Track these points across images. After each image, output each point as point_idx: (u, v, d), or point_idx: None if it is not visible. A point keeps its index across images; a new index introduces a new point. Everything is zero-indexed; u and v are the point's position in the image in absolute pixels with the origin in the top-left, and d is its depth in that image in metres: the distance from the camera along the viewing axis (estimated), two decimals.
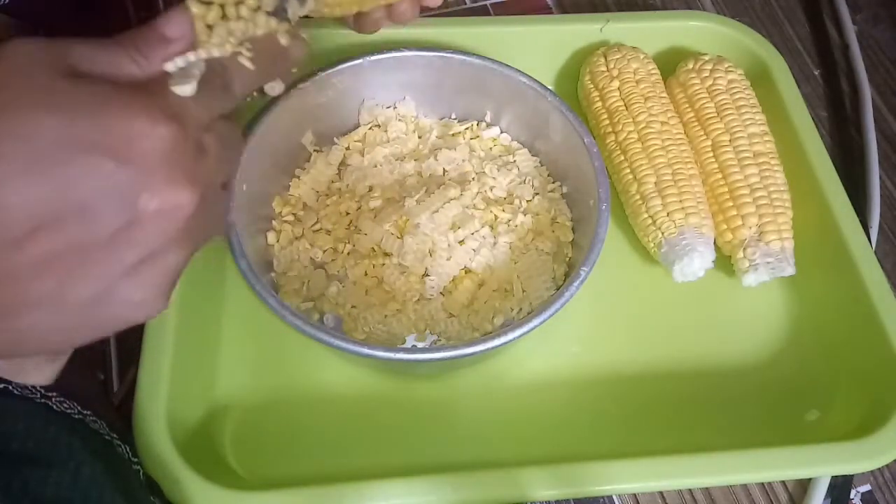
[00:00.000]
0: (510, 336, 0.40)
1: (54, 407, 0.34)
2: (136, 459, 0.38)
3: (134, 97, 0.24)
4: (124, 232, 0.24)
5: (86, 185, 0.23)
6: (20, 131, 0.22)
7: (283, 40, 0.31)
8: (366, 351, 0.39)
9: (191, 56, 0.28)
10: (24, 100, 0.23)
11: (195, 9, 0.28)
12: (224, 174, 0.29)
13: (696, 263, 0.48)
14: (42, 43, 0.24)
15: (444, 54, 0.50)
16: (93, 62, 0.25)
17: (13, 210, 0.22)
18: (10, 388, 0.33)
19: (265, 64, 0.30)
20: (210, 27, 0.29)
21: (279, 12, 0.31)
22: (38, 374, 0.27)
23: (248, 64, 0.29)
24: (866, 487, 0.47)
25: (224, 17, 0.29)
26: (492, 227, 0.48)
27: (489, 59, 0.50)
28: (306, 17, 0.33)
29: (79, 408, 0.35)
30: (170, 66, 0.27)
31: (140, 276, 0.25)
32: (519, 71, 0.50)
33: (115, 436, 0.37)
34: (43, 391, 0.34)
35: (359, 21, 0.41)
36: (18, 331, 0.24)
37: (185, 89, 0.27)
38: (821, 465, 0.42)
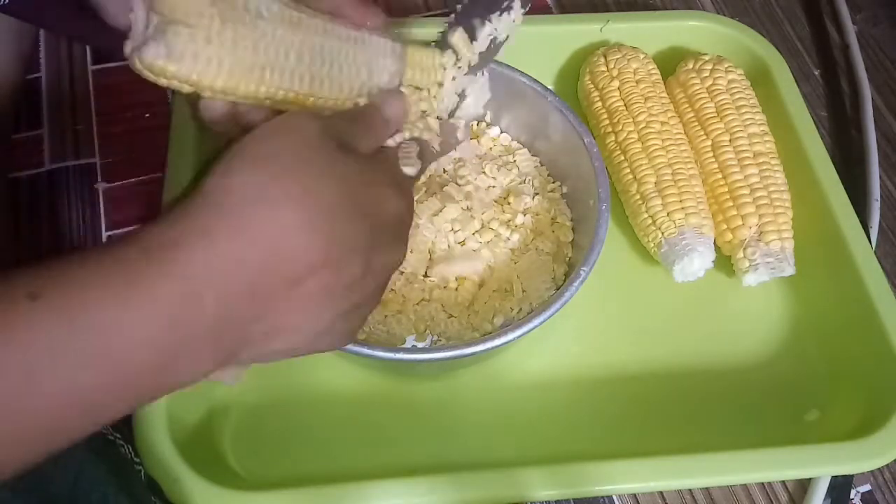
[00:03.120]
0: (510, 336, 0.40)
1: None
2: (137, 460, 0.38)
3: (385, 174, 0.31)
4: (358, 280, 0.29)
5: (349, 242, 0.28)
6: (319, 190, 0.27)
7: (461, 134, 0.39)
8: (366, 351, 0.39)
9: (406, 135, 0.35)
10: (319, 166, 0.28)
11: (410, 94, 0.36)
12: (408, 233, 0.35)
13: (696, 263, 0.48)
14: (317, 118, 0.29)
15: None
16: (345, 136, 0.30)
17: (302, 256, 0.26)
18: None
19: (444, 144, 0.38)
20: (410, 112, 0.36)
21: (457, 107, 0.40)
22: (234, 376, 0.30)
23: (437, 147, 0.37)
24: (866, 487, 0.47)
25: (421, 101, 0.36)
26: (492, 228, 0.48)
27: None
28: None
29: None
30: (391, 142, 0.34)
31: (353, 315, 0.30)
32: (519, 71, 0.50)
33: (117, 436, 0.37)
34: None
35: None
36: (266, 349, 0.28)
37: (412, 169, 0.34)
38: (821, 465, 0.42)
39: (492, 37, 0.40)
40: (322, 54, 0.33)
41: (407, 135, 0.35)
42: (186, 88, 0.30)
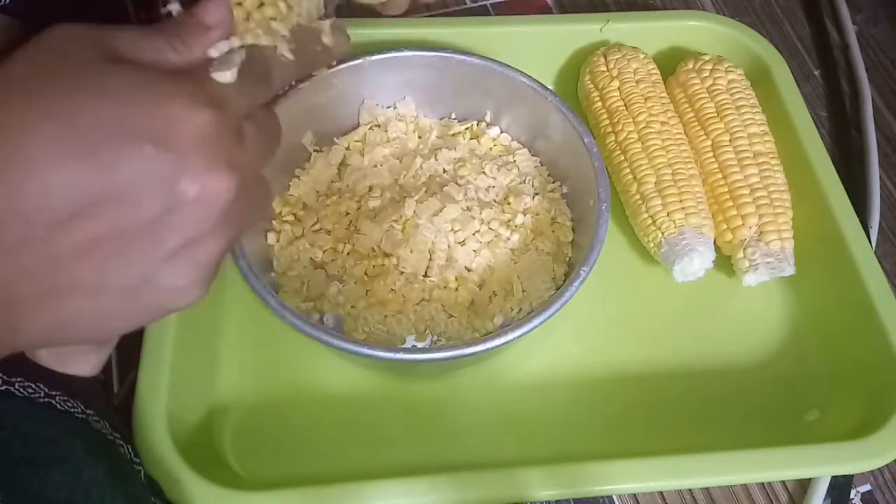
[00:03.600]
0: (510, 336, 0.40)
1: (58, 406, 0.34)
2: (137, 460, 0.38)
3: (174, 83, 0.25)
4: (164, 217, 0.24)
5: (127, 169, 0.23)
6: (64, 114, 0.22)
7: (327, 39, 0.32)
8: (366, 351, 0.39)
9: (234, 42, 0.28)
10: (68, 83, 0.23)
11: None
12: (263, 162, 0.29)
13: (696, 263, 0.48)
14: (85, 27, 0.25)
15: (445, 54, 0.50)
16: (134, 48, 0.25)
17: (56, 193, 0.22)
18: (13, 389, 0.33)
19: (306, 57, 0.30)
20: (248, 15, 0.29)
21: (321, 6, 0.31)
22: (84, 364, 0.27)
23: (288, 55, 0.30)
24: (866, 487, 0.47)
25: (262, 4, 0.30)
26: (492, 228, 0.48)
27: (489, 58, 0.50)
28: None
29: (82, 407, 0.36)
30: (213, 52, 0.28)
31: (180, 263, 0.25)
32: (519, 71, 0.50)
33: (117, 436, 0.37)
34: (46, 390, 0.34)
35: (386, 4, 0.41)
36: (61, 316, 0.24)
37: (226, 76, 0.27)
38: (821, 465, 0.42)
39: None
40: None
41: (237, 42, 0.29)
42: None
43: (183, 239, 0.25)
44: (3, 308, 0.23)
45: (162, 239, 0.24)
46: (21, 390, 0.33)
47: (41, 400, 0.34)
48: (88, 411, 0.36)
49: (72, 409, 0.35)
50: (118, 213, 0.23)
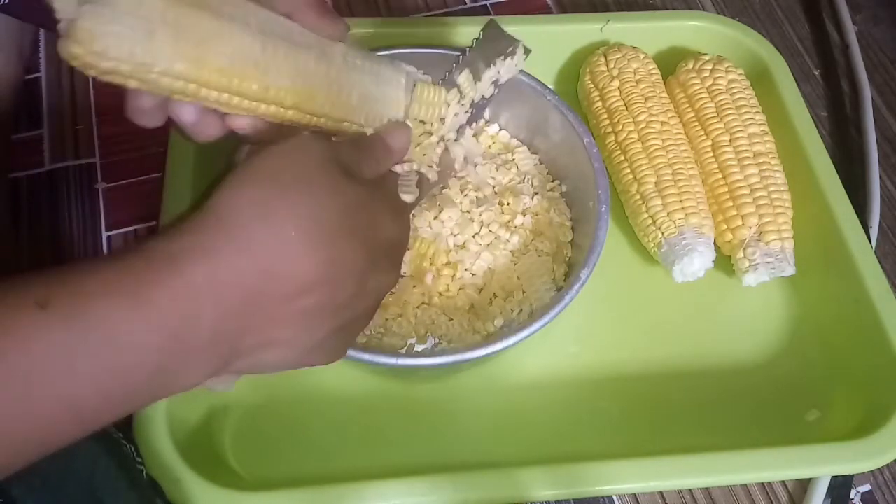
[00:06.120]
0: (511, 340, 0.40)
1: None
2: (139, 459, 0.39)
3: (384, 200, 0.32)
4: (352, 300, 0.30)
5: (346, 263, 0.29)
6: (321, 210, 0.28)
7: (458, 165, 0.42)
8: (367, 358, 0.39)
9: (414, 166, 0.38)
10: (323, 186, 0.29)
11: (414, 127, 0.38)
12: (403, 257, 0.36)
13: (697, 263, 0.48)
14: (323, 140, 0.30)
15: (443, 51, 0.50)
16: (350, 161, 0.31)
17: (300, 274, 0.27)
18: None
19: (442, 175, 0.40)
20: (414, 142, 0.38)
21: (458, 138, 0.41)
22: (226, 384, 0.31)
23: (434, 176, 0.39)
24: (866, 487, 0.47)
25: (423, 133, 0.39)
26: (491, 230, 0.48)
27: None
28: None
29: None
30: (398, 169, 0.37)
31: (344, 333, 0.31)
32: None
33: (120, 435, 0.38)
34: None
35: None
36: (261, 361, 0.29)
37: (409, 197, 0.35)
38: (821, 465, 0.42)
39: (494, 79, 0.43)
40: (339, 81, 0.34)
41: (413, 166, 0.38)
42: (132, 83, 0.27)
43: (354, 317, 0.31)
44: (229, 355, 0.27)
45: (344, 316, 0.30)
46: None
47: None
48: None
49: None
50: (327, 294, 0.28)
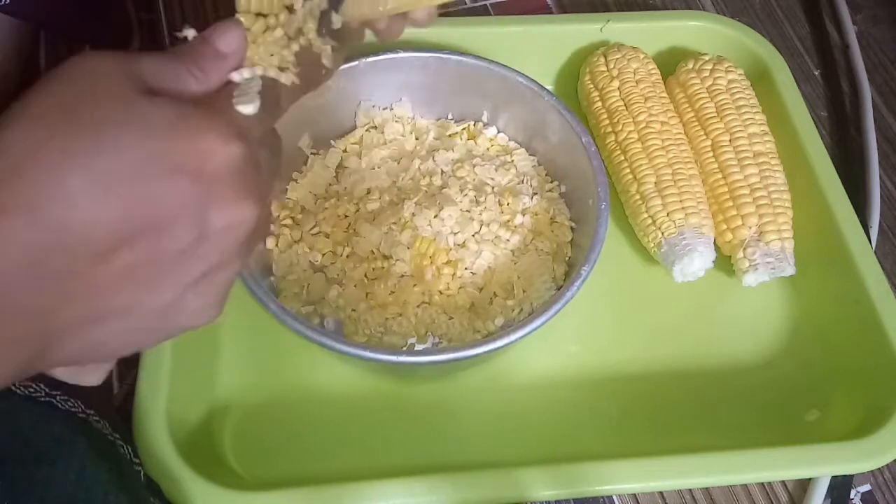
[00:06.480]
0: (512, 338, 0.40)
1: (59, 405, 0.35)
2: (137, 460, 0.38)
3: (206, 117, 0.25)
4: (194, 245, 0.25)
5: (163, 201, 0.24)
6: (105, 147, 0.23)
7: (327, 61, 0.33)
8: (368, 354, 0.39)
9: (256, 70, 0.29)
10: (108, 116, 0.23)
11: (245, 21, 0.30)
12: (273, 184, 0.30)
13: (697, 263, 0.48)
14: (110, 57, 0.25)
15: (440, 55, 0.50)
16: (158, 77, 0.26)
17: (99, 225, 0.23)
18: (14, 388, 0.33)
19: (308, 78, 0.31)
20: (255, 39, 0.30)
21: (322, 29, 0.32)
22: (93, 375, 0.28)
23: (295, 79, 0.31)
24: (866, 487, 0.47)
25: (266, 29, 0.30)
26: (491, 229, 0.48)
27: (485, 59, 0.50)
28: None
29: (82, 406, 0.36)
30: (235, 76, 0.29)
31: (204, 286, 0.26)
32: (515, 70, 0.50)
33: (117, 436, 0.37)
34: (47, 389, 0.34)
35: (381, 31, 0.41)
36: (93, 339, 0.25)
37: (248, 108, 0.28)
38: (821, 465, 0.42)
39: None
40: None
41: (256, 70, 0.30)
42: None
43: (209, 265, 0.26)
44: (40, 337, 0.23)
45: (191, 266, 0.25)
46: (22, 390, 0.33)
47: (42, 399, 0.34)
48: (89, 411, 0.36)
49: (72, 409, 0.35)
50: (154, 243, 0.24)
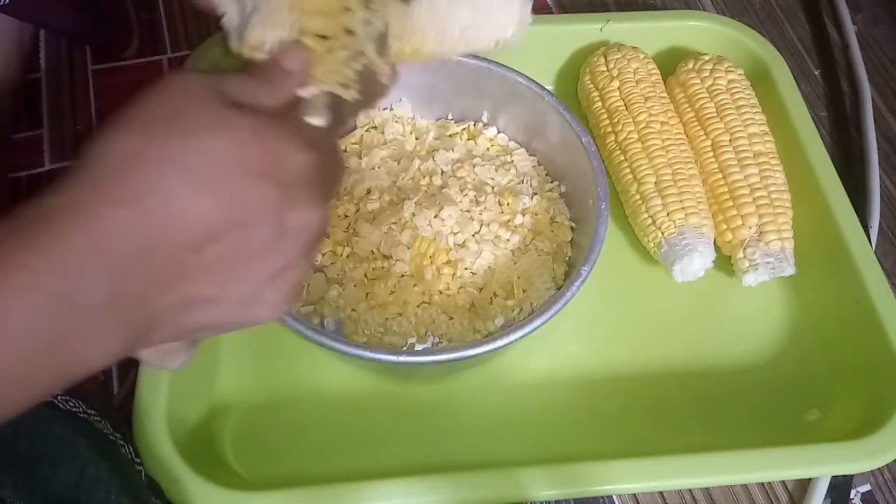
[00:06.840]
0: (512, 337, 0.40)
1: (60, 405, 0.35)
2: (138, 460, 0.38)
3: (281, 126, 0.28)
4: (273, 243, 0.28)
5: (249, 200, 0.26)
6: (199, 150, 0.26)
7: (385, 79, 0.35)
8: (368, 354, 0.39)
9: (323, 87, 0.33)
10: (200, 124, 0.26)
11: (311, 43, 0.33)
12: (335, 190, 0.33)
13: (697, 263, 0.48)
14: (203, 76, 0.28)
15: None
16: (240, 93, 0.28)
17: (196, 218, 0.25)
18: None
19: (368, 95, 0.35)
20: (320, 61, 0.33)
21: (380, 50, 0.35)
22: (177, 360, 0.30)
23: (357, 95, 0.34)
24: (866, 487, 0.47)
25: (331, 51, 0.33)
26: (491, 229, 0.48)
27: (485, 59, 0.50)
28: None
29: (83, 406, 0.36)
30: (303, 93, 0.32)
31: (280, 282, 0.29)
32: (515, 71, 0.50)
33: (118, 436, 0.37)
34: None
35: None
36: (186, 324, 0.27)
37: (319, 120, 0.31)
38: (821, 465, 0.42)
39: None
40: None
41: (325, 87, 0.33)
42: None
43: (285, 261, 0.28)
44: (144, 320, 0.25)
45: (270, 261, 0.28)
46: None
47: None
48: (90, 411, 0.36)
49: (73, 409, 0.35)
50: (240, 238, 0.26)
